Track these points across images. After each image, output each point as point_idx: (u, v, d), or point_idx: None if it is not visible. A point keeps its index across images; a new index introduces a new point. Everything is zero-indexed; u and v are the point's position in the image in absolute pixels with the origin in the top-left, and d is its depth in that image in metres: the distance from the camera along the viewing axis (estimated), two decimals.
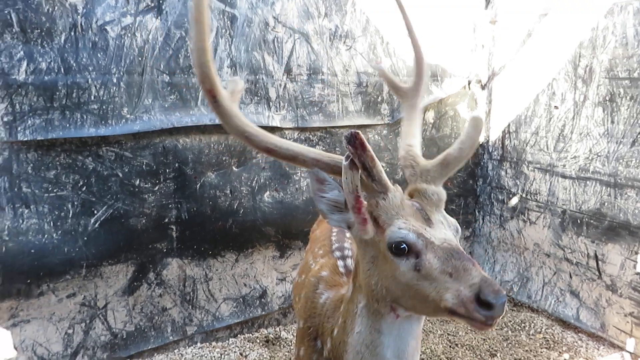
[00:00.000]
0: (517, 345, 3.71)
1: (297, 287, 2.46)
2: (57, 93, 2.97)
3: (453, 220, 1.49)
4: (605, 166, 3.61)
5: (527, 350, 3.64)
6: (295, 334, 2.13)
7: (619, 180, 3.53)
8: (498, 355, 3.58)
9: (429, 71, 4.26)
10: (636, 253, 3.44)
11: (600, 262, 3.71)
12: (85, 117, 3.07)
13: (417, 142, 1.74)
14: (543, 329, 3.93)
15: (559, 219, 4.00)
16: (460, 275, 1.30)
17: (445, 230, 1.43)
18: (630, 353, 3.50)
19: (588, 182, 3.75)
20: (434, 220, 1.45)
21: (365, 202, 1.46)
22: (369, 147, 1.37)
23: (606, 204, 3.63)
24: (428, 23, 4.16)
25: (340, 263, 2.05)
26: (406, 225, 1.41)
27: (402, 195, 1.50)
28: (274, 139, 1.55)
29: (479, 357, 3.55)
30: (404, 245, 1.38)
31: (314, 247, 2.51)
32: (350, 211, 1.45)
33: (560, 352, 3.62)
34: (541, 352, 3.63)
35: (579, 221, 3.84)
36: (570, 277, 3.94)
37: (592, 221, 3.74)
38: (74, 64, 3.00)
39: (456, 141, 1.62)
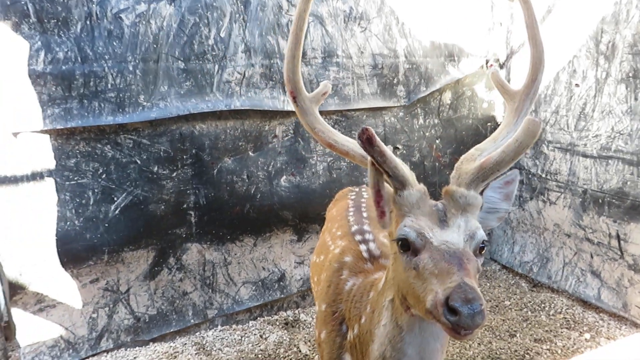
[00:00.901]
0: (536, 325, 3.70)
1: (315, 267, 2.47)
2: (75, 82, 3.00)
3: (474, 226, 1.43)
4: (628, 144, 3.53)
5: (547, 331, 3.62)
6: (315, 317, 2.14)
7: None
8: (518, 335, 3.57)
9: (457, 55, 4.19)
10: None
11: (622, 242, 3.65)
12: (102, 105, 3.10)
13: (491, 148, 1.66)
14: (563, 309, 3.90)
15: (580, 199, 3.93)
16: (442, 278, 1.29)
17: (454, 233, 1.40)
18: None
19: (610, 161, 3.67)
20: (451, 222, 1.42)
21: (384, 196, 1.50)
22: (378, 142, 1.40)
23: (629, 182, 3.56)
24: (445, 2, 4.09)
25: (363, 247, 2.05)
26: (411, 224, 1.42)
27: (422, 193, 1.49)
28: (336, 135, 1.76)
29: (498, 337, 3.55)
30: (407, 242, 1.40)
31: (331, 226, 2.52)
32: (374, 206, 1.49)
33: (581, 332, 3.59)
34: (561, 332, 3.61)
35: (600, 201, 3.77)
36: (592, 257, 3.90)
37: (614, 200, 3.68)
38: (91, 53, 3.02)
39: (504, 144, 1.50)
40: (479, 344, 3.46)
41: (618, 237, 3.67)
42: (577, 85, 3.85)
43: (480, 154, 1.64)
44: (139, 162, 3.28)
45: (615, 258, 3.71)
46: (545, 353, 3.36)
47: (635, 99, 3.46)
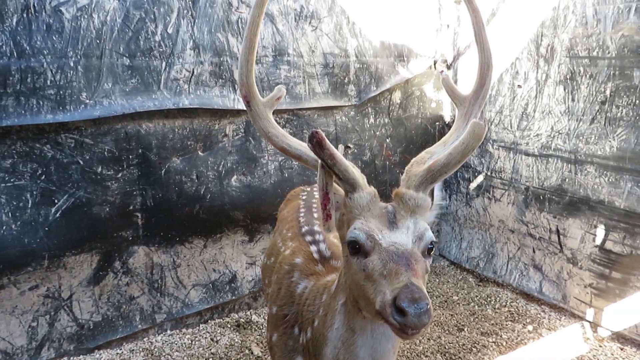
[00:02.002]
0: (483, 319, 3.82)
1: (266, 269, 2.45)
2: (11, 78, 2.84)
3: (422, 227, 1.46)
4: (566, 143, 3.71)
5: (493, 324, 3.75)
6: (266, 319, 2.12)
7: (579, 157, 3.63)
8: (465, 329, 3.68)
9: (407, 55, 4.25)
10: (595, 227, 3.57)
11: (561, 237, 3.83)
12: (41, 103, 2.94)
13: (441, 151, 1.67)
14: (508, 303, 4.05)
15: (523, 196, 4.10)
16: (390, 279, 1.30)
17: (403, 235, 1.42)
18: (589, 322, 3.65)
19: (550, 159, 3.84)
20: (400, 224, 1.45)
21: (332, 200, 1.50)
22: (328, 145, 1.42)
23: (567, 180, 3.73)
24: (394, 3, 4.15)
25: (313, 249, 2.05)
26: (361, 226, 1.44)
27: (371, 196, 1.51)
28: (289, 139, 1.74)
29: (447, 332, 3.64)
30: (358, 245, 1.42)
31: (281, 227, 2.50)
32: (320, 208, 1.50)
33: (524, 324, 3.74)
34: (506, 324, 3.75)
35: (541, 197, 3.94)
36: (534, 251, 4.07)
37: (553, 197, 3.85)
38: (28, 48, 2.86)
39: (450, 147, 1.53)
40: (428, 339, 3.54)
41: (558, 232, 3.85)
42: (519, 86, 4.01)
43: (430, 157, 1.68)
44: (81, 162, 3.14)
45: (555, 252, 3.89)
46: (491, 346, 3.48)
47: (573, 100, 3.63)
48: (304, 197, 2.65)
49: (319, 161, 1.46)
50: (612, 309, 3.51)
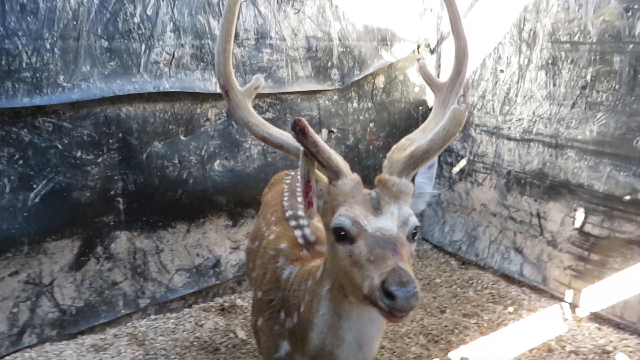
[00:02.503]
0: (465, 301, 3.88)
1: (250, 253, 2.45)
2: None
3: (406, 213, 1.47)
4: (548, 128, 3.74)
5: (474, 306, 3.81)
6: (251, 303, 2.13)
7: (559, 141, 3.67)
8: (447, 311, 3.73)
9: (390, 39, 4.23)
10: (575, 210, 3.62)
11: (542, 220, 3.89)
12: (17, 86, 2.88)
13: (421, 138, 1.70)
14: (489, 285, 4.11)
15: (504, 180, 4.14)
16: (378, 263, 1.32)
17: (388, 220, 1.43)
18: (568, 303, 3.73)
19: (531, 144, 3.88)
20: (384, 210, 1.46)
21: (314, 187, 1.51)
22: (311, 132, 1.41)
23: (548, 164, 3.78)
24: None
25: (298, 233, 2.05)
26: (346, 212, 1.45)
27: (355, 182, 1.52)
28: (270, 128, 1.71)
29: (429, 314, 3.69)
30: (343, 231, 1.43)
31: (265, 212, 2.50)
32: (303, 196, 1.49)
33: (505, 306, 3.81)
34: (487, 306, 3.81)
35: (522, 181, 3.99)
36: (515, 234, 4.12)
37: (534, 181, 3.89)
38: (1, 29, 2.79)
39: (431, 133, 1.56)
40: (411, 321, 3.58)
41: (538, 216, 3.90)
42: (502, 71, 4.02)
43: (410, 143, 1.69)
44: (60, 146, 3.09)
45: (535, 235, 3.95)
46: (473, 327, 3.53)
47: (554, 84, 3.66)
48: (287, 181, 2.65)
49: (302, 149, 1.46)
50: (591, 290, 3.59)
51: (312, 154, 1.45)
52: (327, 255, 1.61)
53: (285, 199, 2.43)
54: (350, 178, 1.52)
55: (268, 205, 2.55)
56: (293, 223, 2.14)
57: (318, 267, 1.72)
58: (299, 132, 1.39)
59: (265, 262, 2.00)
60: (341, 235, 1.44)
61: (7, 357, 3.13)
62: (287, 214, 2.25)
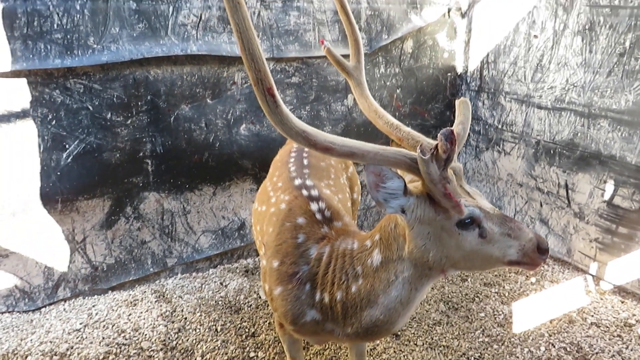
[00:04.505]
0: (487, 270, 3.88)
1: (257, 215, 2.41)
2: (17, 21, 2.81)
3: (474, 188, 1.72)
4: (581, 97, 3.63)
5: (496, 275, 3.81)
6: (263, 271, 2.11)
7: (593, 111, 3.56)
8: (469, 280, 3.74)
9: (420, 2, 4.13)
10: (604, 182, 3.55)
11: (570, 191, 3.82)
12: (49, 47, 2.92)
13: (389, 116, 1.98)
14: None
15: (533, 150, 4.06)
16: (518, 235, 1.59)
17: (483, 199, 1.67)
18: (592, 276, 3.69)
19: (563, 113, 3.78)
20: (470, 192, 1.68)
21: (454, 190, 1.59)
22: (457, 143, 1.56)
23: (579, 134, 3.68)
24: None
25: (314, 208, 2.04)
26: (468, 203, 1.61)
27: (452, 175, 1.64)
28: (331, 137, 1.54)
29: (451, 282, 3.71)
30: (469, 219, 1.58)
31: (272, 172, 2.50)
32: (442, 199, 1.57)
33: (527, 276, 3.80)
34: (509, 276, 3.81)
35: (552, 151, 3.90)
36: (541, 205, 4.07)
37: (564, 151, 3.81)
38: None
39: (457, 123, 1.84)
40: (432, 288, 3.61)
41: (566, 187, 3.83)
42: (535, 36, 3.89)
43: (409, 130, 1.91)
44: (91, 108, 3.15)
45: (562, 207, 3.89)
46: (494, 296, 3.55)
47: (590, 51, 3.53)
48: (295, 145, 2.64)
49: (425, 157, 1.48)
50: (616, 263, 3.54)
51: (449, 161, 1.52)
52: (403, 249, 1.69)
53: (292, 162, 2.43)
54: (450, 171, 1.63)
55: (275, 165, 2.54)
56: (305, 193, 2.12)
57: (359, 252, 1.80)
58: (453, 143, 1.47)
59: (280, 232, 2.00)
60: (466, 223, 1.58)
61: (43, 309, 3.30)
62: (296, 182, 2.22)
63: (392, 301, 1.74)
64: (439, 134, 1.46)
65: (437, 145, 1.48)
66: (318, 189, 2.16)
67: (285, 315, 1.92)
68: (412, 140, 1.85)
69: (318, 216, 2.01)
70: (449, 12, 4.36)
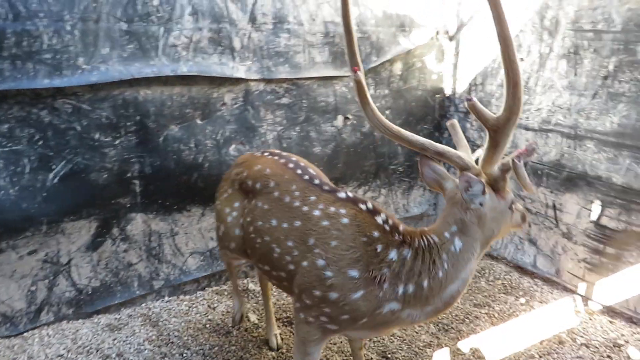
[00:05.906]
0: (476, 291, 3.88)
1: (292, 232, 2.28)
2: (6, 41, 2.79)
3: None
4: (567, 118, 3.69)
5: (486, 296, 3.80)
6: (334, 282, 2.13)
7: (579, 132, 3.62)
8: (459, 301, 3.73)
9: (409, 25, 4.18)
10: (591, 202, 3.58)
11: (557, 212, 3.85)
12: (37, 67, 2.91)
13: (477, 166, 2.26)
14: (502, 275, 4.11)
15: None
16: (519, 208, 2.32)
17: None
18: (581, 296, 3.71)
19: (550, 134, 3.83)
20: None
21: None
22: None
23: (566, 155, 3.73)
24: None
25: (379, 220, 2.21)
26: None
27: None
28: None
29: None
30: (511, 201, 2.22)
31: (285, 188, 2.41)
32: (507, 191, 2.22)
33: (517, 297, 3.80)
34: (499, 297, 3.80)
35: (539, 172, 3.95)
36: (529, 226, 4.09)
37: (551, 172, 3.85)
38: (23, 10, 2.81)
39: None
40: None
41: (554, 207, 3.87)
42: (521, 59, 3.96)
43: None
44: (78, 128, 3.12)
45: (550, 227, 3.92)
46: (484, 317, 3.53)
47: (575, 74, 3.60)
48: (282, 161, 2.64)
49: (519, 162, 2.00)
50: (604, 283, 3.56)
51: (518, 167, 2.01)
52: (475, 230, 2.13)
53: (301, 172, 2.50)
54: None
55: (280, 181, 2.45)
56: (362, 207, 2.26)
57: (447, 243, 2.13)
58: (530, 153, 2.04)
59: (356, 247, 2.14)
60: (511, 205, 2.20)
61: (25, 334, 3.21)
62: (341, 195, 2.31)
63: (468, 273, 2.16)
64: (528, 146, 2.04)
65: (526, 154, 2.04)
66: (366, 200, 2.32)
67: (362, 314, 2.12)
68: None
69: (387, 227, 2.21)
70: (437, 35, 4.43)
